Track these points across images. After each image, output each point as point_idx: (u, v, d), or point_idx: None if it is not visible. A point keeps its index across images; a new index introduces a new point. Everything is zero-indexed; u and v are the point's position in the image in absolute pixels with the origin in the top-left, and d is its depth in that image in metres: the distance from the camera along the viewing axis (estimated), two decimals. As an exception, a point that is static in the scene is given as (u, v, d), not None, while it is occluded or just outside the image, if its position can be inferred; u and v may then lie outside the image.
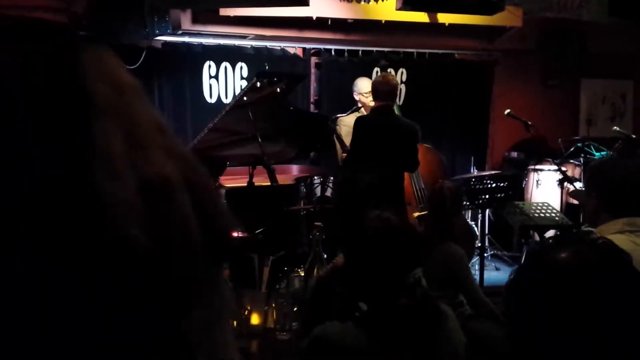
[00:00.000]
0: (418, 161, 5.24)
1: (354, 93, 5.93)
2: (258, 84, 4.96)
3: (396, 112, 5.51)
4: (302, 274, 3.00)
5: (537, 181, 6.70)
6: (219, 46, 6.45)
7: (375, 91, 5.19)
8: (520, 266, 1.35)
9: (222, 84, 6.56)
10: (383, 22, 6.40)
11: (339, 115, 5.81)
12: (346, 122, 5.68)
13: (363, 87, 5.84)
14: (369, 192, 4.86)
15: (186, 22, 6.05)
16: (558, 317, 1.17)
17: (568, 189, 6.22)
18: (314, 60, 6.97)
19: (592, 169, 2.66)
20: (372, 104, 5.45)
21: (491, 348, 2.90)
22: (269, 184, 4.77)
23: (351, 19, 6.40)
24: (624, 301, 1.16)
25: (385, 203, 5.17)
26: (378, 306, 1.97)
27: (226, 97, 6.53)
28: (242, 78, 6.59)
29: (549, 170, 6.64)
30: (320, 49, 6.89)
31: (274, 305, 2.71)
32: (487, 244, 6.59)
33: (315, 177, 5.56)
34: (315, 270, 2.82)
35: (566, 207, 6.34)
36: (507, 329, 1.29)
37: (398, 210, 4.79)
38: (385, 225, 2.05)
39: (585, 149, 6.86)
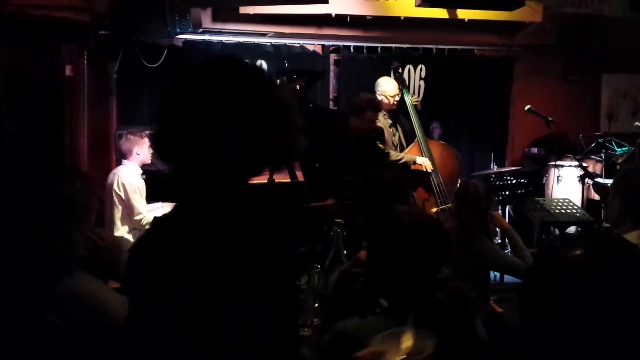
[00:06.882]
0: None
1: (377, 93, 5.70)
2: (277, 82, 4.98)
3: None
4: (323, 270, 3.01)
5: (557, 177, 6.65)
6: (238, 44, 6.48)
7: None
8: (532, 268, 1.35)
9: (242, 81, 6.58)
10: (402, 18, 6.40)
11: None
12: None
13: (388, 88, 5.71)
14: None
15: (207, 21, 6.10)
16: (569, 315, 1.18)
17: (589, 185, 6.17)
18: (333, 57, 6.98)
19: (620, 175, 2.61)
20: (393, 106, 5.71)
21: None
22: (289, 180, 4.80)
23: (370, 16, 6.41)
24: (632, 294, 1.17)
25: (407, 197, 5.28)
26: (413, 301, 1.98)
27: (246, 95, 6.55)
28: (261, 75, 6.61)
29: (570, 166, 6.58)
30: (339, 45, 6.90)
31: (294, 300, 2.73)
32: (507, 240, 6.54)
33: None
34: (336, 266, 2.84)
35: (587, 203, 6.30)
36: (522, 326, 1.30)
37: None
38: (419, 221, 2.06)
39: (606, 144, 6.79)
